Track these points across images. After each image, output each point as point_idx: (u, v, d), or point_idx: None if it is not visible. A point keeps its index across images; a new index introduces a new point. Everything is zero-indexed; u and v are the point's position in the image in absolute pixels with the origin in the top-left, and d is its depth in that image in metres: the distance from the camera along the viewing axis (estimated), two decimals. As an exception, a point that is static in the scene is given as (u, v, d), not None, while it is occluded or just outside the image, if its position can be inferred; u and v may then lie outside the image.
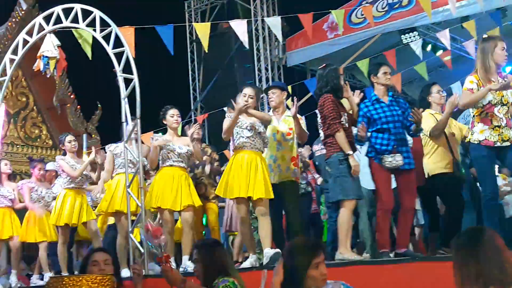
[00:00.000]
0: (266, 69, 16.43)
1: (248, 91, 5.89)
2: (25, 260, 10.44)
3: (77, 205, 7.29)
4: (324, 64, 5.75)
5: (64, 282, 2.40)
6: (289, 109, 6.19)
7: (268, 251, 5.48)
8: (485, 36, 5.85)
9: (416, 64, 11.54)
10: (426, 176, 5.71)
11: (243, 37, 7.99)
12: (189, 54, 17.69)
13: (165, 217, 6.22)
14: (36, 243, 7.99)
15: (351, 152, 5.23)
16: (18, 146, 14.57)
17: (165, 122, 6.53)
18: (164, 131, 6.69)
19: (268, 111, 6.09)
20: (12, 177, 8.65)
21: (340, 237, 5.23)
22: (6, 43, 13.31)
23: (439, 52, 14.80)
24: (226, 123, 5.82)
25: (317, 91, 5.62)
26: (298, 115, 6.06)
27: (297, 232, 6.15)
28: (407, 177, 5.28)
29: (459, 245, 2.40)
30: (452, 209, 5.58)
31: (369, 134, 5.31)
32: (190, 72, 17.68)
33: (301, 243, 3.10)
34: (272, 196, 5.63)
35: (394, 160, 5.14)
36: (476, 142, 4.92)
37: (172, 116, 6.48)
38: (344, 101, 5.71)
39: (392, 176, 5.39)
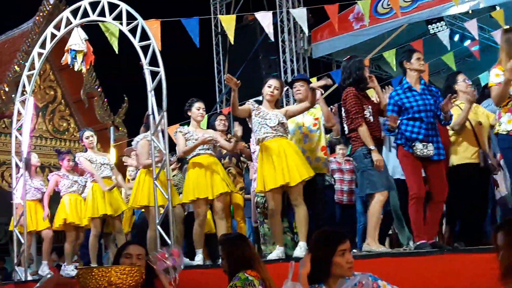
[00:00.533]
0: (291, 61, 16.38)
1: (273, 82, 5.87)
2: (56, 251, 10.63)
3: (108, 195, 7.38)
4: (349, 56, 5.70)
5: (93, 273, 2.43)
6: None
7: (298, 247, 5.43)
8: (507, 26, 5.71)
9: (443, 54, 11.41)
10: (450, 165, 5.64)
11: (268, 29, 7.98)
12: (214, 46, 17.73)
13: (200, 209, 6.22)
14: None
15: (373, 147, 5.17)
16: (46, 139, 14.77)
17: (189, 114, 6.55)
18: (189, 124, 6.72)
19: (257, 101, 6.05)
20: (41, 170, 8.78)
21: (369, 228, 5.21)
22: (34, 37, 13.48)
23: (467, 42, 14.62)
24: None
25: (341, 83, 5.57)
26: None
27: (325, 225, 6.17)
28: (437, 167, 5.17)
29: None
30: (475, 201, 5.49)
31: (399, 122, 5.19)
32: (215, 65, 17.72)
33: (326, 231, 3.14)
34: (313, 173, 5.56)
35: (426, 149, 5.05)
36: (504, 133, 4.82)
37: (198, 109, 6.50)
38: (371, 91, 5.66)
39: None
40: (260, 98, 9.49)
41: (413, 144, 5.06)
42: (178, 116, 7.63)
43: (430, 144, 5.07)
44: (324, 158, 6.10)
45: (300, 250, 5.34)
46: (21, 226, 7.86)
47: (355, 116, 5.24)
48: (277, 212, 5.60)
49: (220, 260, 3.76)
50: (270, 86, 5.84)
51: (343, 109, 5.53)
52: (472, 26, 10.28)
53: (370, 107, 5.41)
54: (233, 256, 3.67)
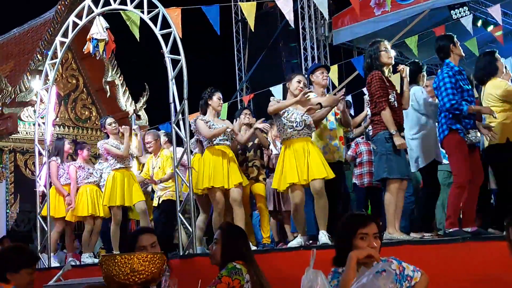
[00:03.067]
0: (312, 48, 16.28)
1: (302, 78, 5.90)
2: (79, 238, 10.74)
3: (126, 185, 7.43)
4: (373, 41, 5.64)
5: (116, 260, 2.45)
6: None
7: (322, 235, 5.45)
8: None
9: (466, 40, 11.25)
10: (481, 148, 5.58)
11: (289, 16, 7.92)
12: (234, 34, 17.69)
13: (217, 197, 6.24)
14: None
15: (395, 131, 5.13)
16: (69, 127, 14.90)
17: (209, 103, 6.49)
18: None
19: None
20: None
21: (388, 216, 5.17)
22: (56, 26, 13.55)
23: (490, 27, 14.39)
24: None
25: (365, 67, 5.54)
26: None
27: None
28: (476, 153, 5.20)
29: None
30: (508, 183, 5.39)
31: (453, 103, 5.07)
32: (235, 52, 17.70)
33: (350, 214, 3.17)
34: (333, 175, 5.58)
35: (476, 135, 5.03)
36: None
37: (219, 98, 6.51)
38: (395, 77, 5.62)
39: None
40: (277, 87, 9.45)
41: (468, 131, 5.04)
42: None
43: (476, 130, 5.09)
44: (343, 147, 6.16)
45: (325, 237, 5.38)
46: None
47: (379, 100, 5.20)
48: (302, 208, 5.63)
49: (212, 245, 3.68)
50: (300, 82, 5.84)
51: (366, 94, 5.50)
52: (495, 11, 10.13)
53: (394, 92, 5.37)
54: (230, 246, 3.60)
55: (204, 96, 6.51)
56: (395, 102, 5.31)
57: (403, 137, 5.26)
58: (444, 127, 5.19)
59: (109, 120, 7.80)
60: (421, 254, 4.41)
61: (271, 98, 6.04)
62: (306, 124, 5.68)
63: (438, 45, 5.40)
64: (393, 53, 5.52)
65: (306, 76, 6.30)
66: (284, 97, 6.09)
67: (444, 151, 5.50)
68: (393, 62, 5.50)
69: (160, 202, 7.69)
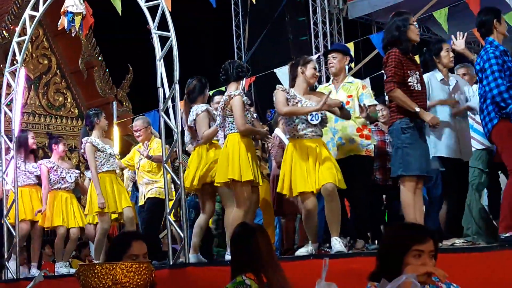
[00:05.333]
0: (324, 23, 16.25)
1: (316, 65, 5.91)
2: (51, 244, 10.78)
3: (114, 190, 7.44)
4: (394, 13, 5.61)
5: (96, 271, 2.45)
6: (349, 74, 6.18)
7: (336, 241, 5.47)
8: None
9: (505, 13, 11.21)
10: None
11: (297, -15, 7.92)
12: (232, 6, 17.65)
13: (247, 192, 6.03)
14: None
15: (418, 109, 5.08)
16: (39, 115, 14.90)
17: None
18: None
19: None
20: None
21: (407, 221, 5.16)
22: (25, -3, 13.58)
23: (533, -1, 14.34)
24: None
25: (386, 41, 5.49)
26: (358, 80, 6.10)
27: (363, 215, 6.16)
28: None
29: None
30: None
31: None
32: (234, 28, 17.66)
33: (403, 225, 3.11)
34: (344, 186, 5.61)
35: None
36: None
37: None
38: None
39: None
40: (283, 68, 9.42)
41: None
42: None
43: None
44: (360, 140, 6.14)
45: (339, 244, 5.42)
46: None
47: (388, 80, 5.18)
48: (314, 214, 5.66)
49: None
50: (316, 69, 5.86)
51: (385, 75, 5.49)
52: (539, -21, 10.07)
53: (417, 73, 5.33)
54: (235, 255, 3.63)
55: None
56: (418, 84, 5.27)
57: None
58: (492, 115, 5.12)
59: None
60: (452, 263, 4.39)
61: (278, 86, 5.96)
62: (323, 119, 5.68)
63: (480, 19, 5.37)
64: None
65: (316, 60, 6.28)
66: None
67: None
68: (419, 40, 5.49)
69: (145, 199, 7.68)
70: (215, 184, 6.12)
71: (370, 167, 6.42)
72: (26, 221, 8.18)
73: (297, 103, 5.70)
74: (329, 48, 9.94)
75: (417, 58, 5.87)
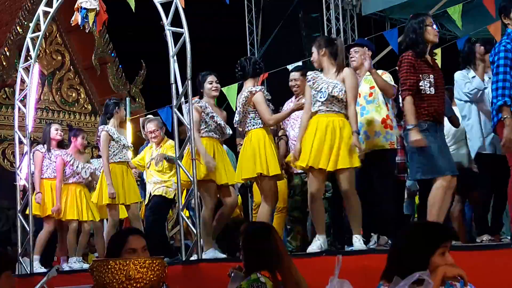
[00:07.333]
0: (337, 19, 16.18)
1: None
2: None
3: (124, 182, 7.46)
4: (413, 14, 5.59)
5: (109, 266, 2.47)
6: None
7: (356, 239, 5.46)
8: None
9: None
10: None
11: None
12: (246, 3, 17.61)
13: (274, 188, 6.14)
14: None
15: (411, 126, 5.04)
16: (53, 111, 14.94)
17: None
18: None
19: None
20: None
21: (430, 219, 5.12)
22: (39, -7, 13.61)
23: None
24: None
25: (404, 44, 5.46)
26: (379, 71, 6.13)
27: (388, 212, 6.10)
28: None
29: None
30: None
31: None
32: (247, 24, 17.63)
33: (429, 223, 3.11)
34: (359, 164, 5.56)
35: None
36: None
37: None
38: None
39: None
40: (299, 63, 9.45)
41: None
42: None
43: None
44: (385, 132, 6.12)
45: (359, 242, 5.43)
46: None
47: (401, 87, 5.20)
48: (319, 197, 5.64)
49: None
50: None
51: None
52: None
53: (431, 76, 5.27)
54: (251, 253, 3.63)
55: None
56: (431, 88, 5.22)
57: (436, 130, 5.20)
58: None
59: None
60: (471, 261, 4.33)
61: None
62: (331, 96, 5.59)
63: (501, 6, 5.28)
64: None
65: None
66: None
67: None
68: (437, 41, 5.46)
69: (150, 197, 7.71)
70: (240, 181, 6.41)
71: (393, 161, 6.44)
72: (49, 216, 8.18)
73: (314, 84, 5.69)
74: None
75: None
